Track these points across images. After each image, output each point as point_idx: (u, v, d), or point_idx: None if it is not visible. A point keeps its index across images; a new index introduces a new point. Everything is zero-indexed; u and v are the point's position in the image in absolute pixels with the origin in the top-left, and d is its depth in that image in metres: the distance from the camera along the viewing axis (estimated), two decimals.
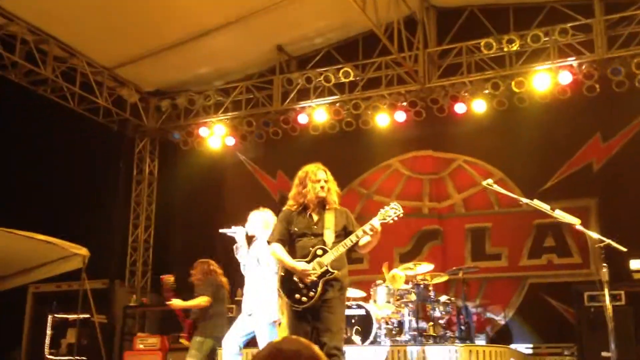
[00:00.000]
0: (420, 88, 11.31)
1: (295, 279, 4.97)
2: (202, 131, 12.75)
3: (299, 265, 4.97)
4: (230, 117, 12.58)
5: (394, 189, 11.84)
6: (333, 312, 4.94)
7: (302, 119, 12.05)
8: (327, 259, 4.94)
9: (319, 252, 4.98)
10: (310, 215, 5.08)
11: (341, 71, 11.59)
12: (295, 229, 5.07)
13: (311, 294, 4.92)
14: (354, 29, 11.98)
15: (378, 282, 9.20)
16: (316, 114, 11.96)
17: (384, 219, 5.03)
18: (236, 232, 6.63)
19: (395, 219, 5.05)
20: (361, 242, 5.12)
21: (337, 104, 11.86)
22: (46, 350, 9.85)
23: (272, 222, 6.50)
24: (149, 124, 13.07)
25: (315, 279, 4.92)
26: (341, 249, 4.97)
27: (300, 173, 5.26)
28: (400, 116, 11.58)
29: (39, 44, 10.80)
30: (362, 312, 8.79)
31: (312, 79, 11.82)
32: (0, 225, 8.95)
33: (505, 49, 10.69)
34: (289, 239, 5.11)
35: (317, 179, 5.12)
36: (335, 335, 4.90)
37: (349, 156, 12.18)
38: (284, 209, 5.32)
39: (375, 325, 8.64)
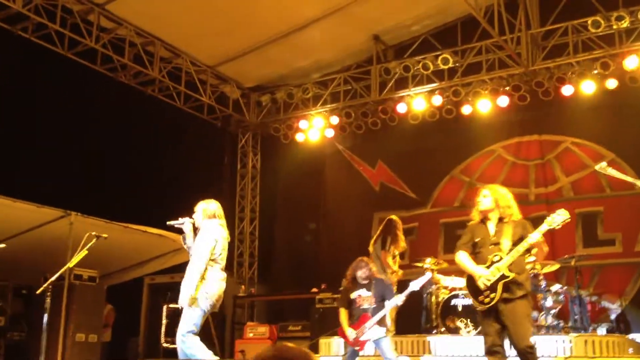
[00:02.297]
0: (523, 71, 10.97)
1: (478, 282, 5.50)
2: (302, 124, 12.92)
3: (478, 270, 5.50)
4: (328, 109, 12.68)
5: (498, 175, 11.55)
6: (516, 313, 5.39)
7: (400, 108, 11.97)
8: (503, 264, 5.40)
9: (496, 258, 5.46)
10: (488, 227, 5.65)
11: (440, 58, 11.40)
12: (477, 239, 5.64)
13: (492, 295, 5.41)
14: (451, 14, 11.75)
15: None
16: (415, 102, 11.85)
17: (550, 226, 5.41)
18: (183, 222, 6.65)
19: (561, 225, 5.43)
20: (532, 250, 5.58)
21: (437, 92, 11.69)
22: (162, 338, 10.31)
23: (213, 210, 6.61)
24: (251, 119, 13.39)
25: (493, 282, 5.41)
26: (515, 254, 5.41)
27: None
28: (503, 101, 11.28)
29: (146, 46, 11.27)
30: (469, 301, 8.64)
31: (410, 67, 11.70)
32: (117, 220, 9.47)
33: (615, 27, 10.18)
34: (473, 248, 5.67)
35: (477, 194, 5.77)
36: (523, 335, 5.37)
37: (450, 144, 12.02)
38: (469, 223, 5.85)
39: None
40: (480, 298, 5.49)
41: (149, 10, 10.68)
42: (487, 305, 5.44)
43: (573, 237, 10.64)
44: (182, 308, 6.40)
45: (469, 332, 8.59)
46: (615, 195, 10.51)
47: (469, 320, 8.62)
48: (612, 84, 10.58)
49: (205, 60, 12.28)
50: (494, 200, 5.64)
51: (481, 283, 5.46)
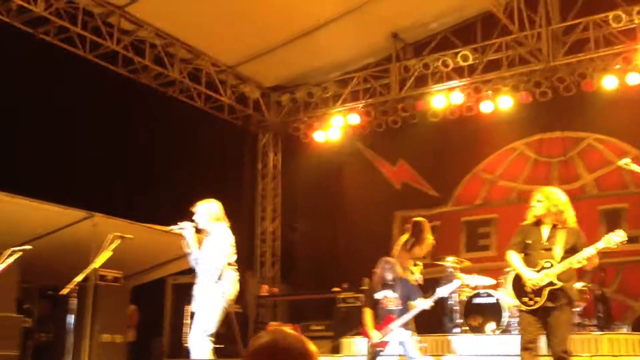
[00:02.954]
0: (544, 67, 10.88)
1: (526, 285, 5.58)
2: (322, 123, 12.93)
3: (527, 273, 5.56)
4: (348, 108, 12.67)
5: (520, 173, 11.50)
6: (558, 320, 5.52)
7: (421, 106, 11.93)
8: (554, 272, 5.48)
9: (547, 264, 5.53)
10: (542, 231, 5.69)
11: (459, 55, 11.35)
12: (529, 241, 5.68)
13: (537, 299, 5.52)
14: (470, 11, 11.70)
15: (508, 269, 8.95)
16: (435, 100, 11.80)
17: (608, 244, 5.47)
18: (184, 227, 6.49)
19: (618, 245, 5.48)
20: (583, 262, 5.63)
21: (457, 89, 11.64)
22: (186, 338, 10.36)
23: (217, 212, 6.50)
24: (271, 119, 13.43)
25: (539, 287, 5.52)
26: (566, 264, 5.50)
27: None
28: (524, 97, 11.20)
29: (166, 47, 11.34)
30: (492, 300, 8.63)
31: (430, 65, 11.66)
32: (138, 220, 9.54)
33: (636, 21, 10.09)
34: (523, 249, 5.73)
35: (532, 199, 5.78)
36: (561, 340, 5.51)
37: (471, 141, 11.98)
38: (523, 223, 5.84)
39: (506, 314, 8.46)
40: (525, 300, 5.59)
41: (168, 11, 10.75)
42: (530, 308, 5.56)
43: (596, 235, 10.48)
44: (193, 311, 6.42)
45: (492, 330, 8.55)
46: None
47: (491, 319, 8.56)
48: (634, 78, 10.47)
49: (225, 60, 12.33)
50: (546, 206, 5.68)
51: (530, 286, 5.55)
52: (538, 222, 5.72)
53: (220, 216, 6.58)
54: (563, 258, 5.52)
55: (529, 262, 5.64)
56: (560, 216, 5.65)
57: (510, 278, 8.18)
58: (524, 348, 5.61)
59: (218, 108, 12.68)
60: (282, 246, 13.53)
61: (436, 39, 12.20)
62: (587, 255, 5.48)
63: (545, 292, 5.49)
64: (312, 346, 2.18)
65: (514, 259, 5.73)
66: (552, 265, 5.52)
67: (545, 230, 5.67)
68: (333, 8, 11.12)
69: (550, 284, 5.49)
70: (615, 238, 5.44)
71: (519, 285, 5.66)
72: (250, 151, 13.67)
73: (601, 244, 5.46)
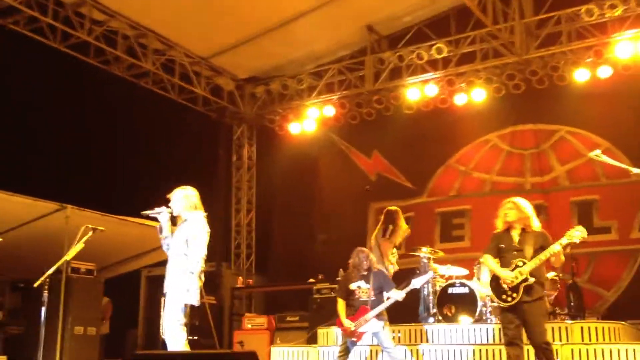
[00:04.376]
0: (517, 60, 10.98)
1: (501, 283, 6.13)
2: (297, 115, 12.92)
3: (504, 273, 6.12)
4: (323, 100, 12.67)
5: (494, 165, 11.62)
6: (534, 313, 6.04)
7: (395, 98, 11.98)
8: (526, 269, 6.03)
9: (520, 263, 6.07)
10: (513, 235, 6.25)
11: (433, 48, 11.39)
12: (502, 245, 6.27)
13: (514, 295, 6.05)
14: (444, 4, 11.76)
15: (481, 259, 9.05)
16: (409, 92, 11.85)
17: (570, 240, 6.01)
18: (160, 212, 6.39)
19: (580, 239, 6.01)
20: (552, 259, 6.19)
21: (431, 81, 11.70)
22: (161, 330, 10.31)
23: (194, 200, 6.44)
24: (246, 111, 13.37)
25: (516, 284, 6.04)
26: (536, 261, 6.04)
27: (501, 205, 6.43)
28: (497, 90, 11.30)
29: (139, 38, 11.22)
30: (465, 290, 8.71)
31: (404, 58, 11.70)
32: (112, 212, 9.47)
33: (608, 15, 10.20)
34: (498, 253, 6.30)
35: (501, 207, 6.34)
36: (541, 332, 6.05)
37: (445, 133, 12.05)
38: (495, 231, 6.39)
39: (479, 304, 8.55)
40: (504, 297, 6.12)
41: (141, 2, 10.65)
42: (509, 304, 6.07)
43: (569, 226, 10.62)
44: (164, 299, 6.35)
45: (460, 317, 8.62)
46: (611, 184, 10.56)
47: (465, 308, 8.65)
48: (605, 72, 10.61)
49: (199, 52, 12.24)
50: (517, 213, 6.26)
51: (507, 283, 6.07)
52: (508, 229, 6.29)
53: (197, 204, 6.49)
54: (533, 257, 6.07)
55: (504, 263, 6.20)
56: (528, 221, 6.23)
57: (482, 274, 8.46)
58: (509, 343, 6.09)
59: (192, 100, 12.60)
60: (257, 238, 13.52)
61: (411, 32, 12.22)
62: (553, 252, 5.98)
63: (521, 288, 6.02)
64: None
65: (490, 261, 6.32)
66: (524, 264, 6.06)
67: (515, 235, 6.25)
68: (308, 0, 11.10)
69: (525, 280, 6.02)
70: (576, 233, 6.00)
71: (496, 284, 6.21)
72: (225, 143, 13.59)
73: (564, 240, 5.98)
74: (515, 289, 6.07)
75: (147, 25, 11.21)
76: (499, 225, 6.37)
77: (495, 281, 6.27)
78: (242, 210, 13.50)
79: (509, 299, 6.08)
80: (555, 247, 5.99)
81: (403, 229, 8.93)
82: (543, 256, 6.02)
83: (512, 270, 6.08)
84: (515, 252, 6.16)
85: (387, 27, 12.38)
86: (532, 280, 6.01)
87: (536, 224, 6.25)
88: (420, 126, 12.12)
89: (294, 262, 12.66)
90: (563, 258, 6.27)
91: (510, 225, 6.27)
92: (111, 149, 11.33)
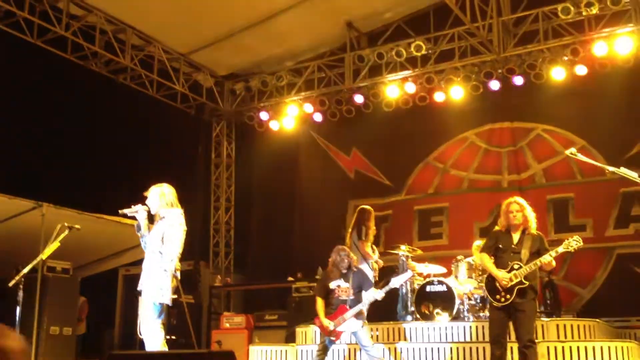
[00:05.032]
0: (495, 58, 11.05)
1: (496, 283, 6.28)
2: (276, 112, 12.89)
3: (500, 273, 6.26)
4: (303, 97, 12.65)
5: (471, 162, 11.68)
6: (525, 314, 6.23)
7: (374, 95, 11.99)
8: (522, 272, 6.19)
9: (516, 266, 6.24)
10: (512, 237, 6.41)
11: (413, 45, 11.40)
12: (500, 245, 6.41)
13: (507, 296, 6.22)
14: (424, 1, 11.78)
15: (459, 257, 9.12)
16: (389, 89, 11.87)
17: (567, 249, 6.23)
18: (137, 210, 6.39)
19: (576, 249, 6.24)
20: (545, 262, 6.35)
21: (410, 79, 11.73)
22: (138, 329, 10.24)
23: (171, 197, 6.45)
24: (225, 108, 13.31)
25: (510, 285, 6.21)
26: (532, 266, 6.21)
27: (503, 205, 6.55)
28: (476, 88, 11.36)
29: (117, 34, 11.11)
30: (443, 288, 8.75)
31: (384, 55, 11.68)
32: (88, 210, 9.37)
33: (584, 13, 10.28)
34: (495, 252, 6.46)
35: (511, 210, 6.42)
36: (528, 330, 6.24)
37: (424, 131, 12.09)
38: (494, 229, 6.60)
39: (457, 302, 8.59)
40: (497, 297, 6.29)
41: None
42: (502, 304, 6.25)
43: (545, 223, 10.77)
44: (139, 296, 6.32)
45: (439, 314, 8.67)
46: (586, 182, 10.68)
47: (442, 306, 8.69)
48: (581, 70, 10.71)
49: (178, 48, 12.16)
50: (523, 216, 6.40)
51: (503, 285, 6.22)
52: (509, 229, 6.42)
53: (174, 202, 6.47)
54: (529, 260, 6.23)
55: (500, 263, 6.36)
56: (529, 224, 6.38)
57: (460, 271, 8.55)
58: (494, 341, 6.28)
59: (171, 96, 12.52)
60: (236, 236, 13.47)
61: (390, 29, 12.24)
62: (549, 259, 6.19)
63: (515, 290, 6.20)
64: (10, 342, 2.01)
65: (486, 260, 6.48)
66: (520, 267, 6.23)
67: (515, 236, 6.40)
68: None
69: (520, 282, 6.21)
70: (574, 243, 6.18)
71: (491, 284, 6.37)
72: (204, 140, 13.52)
73: (561, 249, 6.20)
74: (509, 290, 6.23)
75: (126, 20, 11.10)
76: (501, 223, 6.50)
77: (490, 281, 6.42)
78: (221, 208, 13.45)
79: (502, 299, 6.25)
80: (551, 254, 6.19)
81: (372, 229, 8.96)
82: (539, 262, 6.19)
83: (509, 271, 6.23)
84: (513, 254, 6.31)
85: (367, 24, 12.38)
86: (527, 283, 6.19)
87: (534, 226, 6.39)
88: (399, 124, 12.16)
89: (273, 260, 12.63)
90: (554, 263, 6.44)
91: (512, 226, 6.39)
92: (88, 146, 11.21)
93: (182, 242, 6.33)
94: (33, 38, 10.11)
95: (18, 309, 6.75)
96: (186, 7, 10.82)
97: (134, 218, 6.51)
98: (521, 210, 6.39)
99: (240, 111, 13.34)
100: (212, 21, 11.42)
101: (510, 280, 6.18)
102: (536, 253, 6.27)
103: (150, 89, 12.05)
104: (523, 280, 6.18)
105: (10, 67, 10.11)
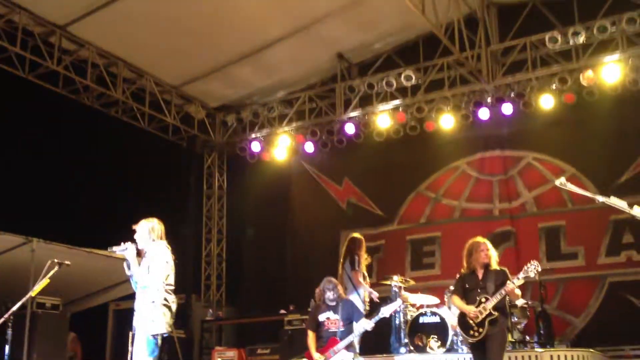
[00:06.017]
0: (484, 87, 11.13)
1: (468, 319, 6.57)
2: (268, 143, 12.92)
3: (470, 309, 6.56)
4: (294, 128, 12.69)
5: (463, 191, 11.70)
6: (495, 344, 6.49)
7: (365, 125, 12.04)
8: (489, 305, 6.50)
9: (483, 299, 6.54)
10: (477, 275, 6.73)
11: (402, 75, 11.48)
12: (467, 285, 6.75)
13: (480, 330, 6.50)
14: (413, 32, 11.87)
15: (451, 287, 9.06)
16: (379, 119, 11.93)
17: (527, 275, 6.50)
18: (126, 248, 6.40)
19: (535, 273, 6.52)
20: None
21: (400, 109, 11.79)
22: None
23: (157, 231, 6.48)
24: (217, 139, 13.33)
25: (481, 319, 6.49)
26: (498, 296, 6.50)
27: (468, 246, 6.84)
28: (465, 117, 11.43)
29: (109, 67, 11.17)
30: (437, 319, 8.70)
31: (374, 85, 11.75)
32: (78, 244, 9.32)
33: (571, 42, 10.39)
34: (464, 292, 6.76)
35: (482, 249, 6.74)
36: (497, 356, 6.47)
37: (415, 160, 12.13)
38: (461, 272, 6.89)
39: (450, 332, 8.54)
40: (471, 332, 6.56)
41: (111, 31, 10.59)
42: (476, 339, 6.52)
43: (537, 252, 10.76)
44: (133, 334, 6.29)
45: (438, 346, 8.61)
46: (577, 209, 10.68)
47: (437, 337, 8.63)
48: (570, 98, 10.78)
49: (170, 80, 12.21)
50: (491, 254, 6.75)
51: (474, 320, 6.50)
52: (473, 270, 6.74)
53: (160, 235, 6.50)
54: (494, 293, 6.51)
55: (470, 301, 6.65)
56: (490, 260, 6.73)
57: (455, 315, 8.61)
58: None
59: (162, 129, 12.54)
60: (227, 268, 13.37)
61: (380, 59, 12.34)
62: (512, 286, 6.45)
63: (487, 322, 6.47)
64: None
65: (457, 301, 6.78)
66: (487, 300, 6.52)
67: (479, 274, 6.72)
68: (279, 29, 11.16)
69: (489, 314, 6.48)
70: (531, 267, 6.47)
71: (463, 320, 6.65)
72: (196, 172, 13.50)
73: (521, 275, 6.48)
74: (481, 323, 6.50)
75: (117, 53, 11.16)
76: (466, 267, 6.81)
77: (462, 317, 6.71)
78: (212, 240, 13.37)
79: (476, 334, 6.51)
80: (514, 282, 6.46)
81: (364, 257, 8.94)
82: (503, 291, 6.48)
83: (477, 306, 6.53)
84: (480, 290, 6.62)
85: (357, 55, 12.48)
86: (496, 314, 6.47)
87: (495, 263, 6.74)
88: (390, 153, 12.19)
89: (266, 292, 12.55)
90: (519, 292, 6.72)
91: (479, 264, 6.71)
92: (79, 180, 11.18)
93: (168, 273, 6.31)
94: (25, 73, 10.13)
95: (7, 348, 6.68)
96: (177, 40, 10.88)
97: (123, 257, 6.50)
98: (489, 249, 6.76)
99: (232, 142, 13.35)
100: (204, 53, 11.49)
101: (480, 313, 6.47)
102: (501, 286, 6.55)
103: (142, 122, 12.07)
104: (492, 312, 6.47)
105: (1, 102, 10.12)
